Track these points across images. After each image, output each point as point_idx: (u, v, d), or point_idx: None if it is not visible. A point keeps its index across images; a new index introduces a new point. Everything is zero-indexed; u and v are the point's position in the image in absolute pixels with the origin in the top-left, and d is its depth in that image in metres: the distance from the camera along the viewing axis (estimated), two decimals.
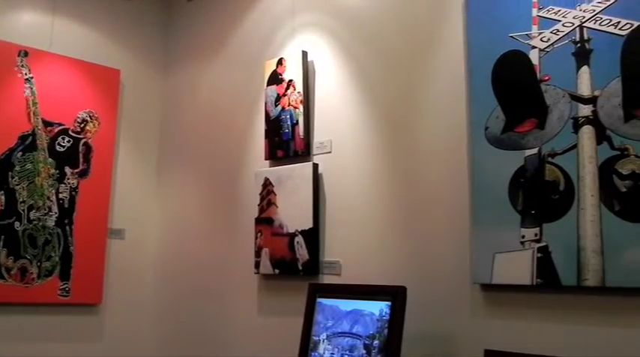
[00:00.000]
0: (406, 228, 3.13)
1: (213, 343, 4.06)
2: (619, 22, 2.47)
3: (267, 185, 3.74)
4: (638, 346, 2.33)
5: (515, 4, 2.80)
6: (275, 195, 3.68)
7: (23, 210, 4.08)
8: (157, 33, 4.96)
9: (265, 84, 3.91)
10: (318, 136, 3.62)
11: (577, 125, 2.54)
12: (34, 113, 4.18)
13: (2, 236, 3.99)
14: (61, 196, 4.23)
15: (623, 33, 2.45)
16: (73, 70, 4.38)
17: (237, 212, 4.05)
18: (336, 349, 2.90)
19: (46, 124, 4.22)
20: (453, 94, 3.01)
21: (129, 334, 4.50)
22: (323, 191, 3.52)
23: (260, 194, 3.78)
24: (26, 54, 4.19)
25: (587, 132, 2.50)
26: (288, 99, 3.73)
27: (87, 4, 4.58)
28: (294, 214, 3.56)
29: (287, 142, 3.70)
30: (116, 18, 4.73)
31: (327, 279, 3.41)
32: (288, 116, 3.72)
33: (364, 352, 2.79)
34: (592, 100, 2.50)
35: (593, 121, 2.49)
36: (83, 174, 4.34)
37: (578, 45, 2.58)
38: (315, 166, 3.53)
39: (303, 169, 3.55)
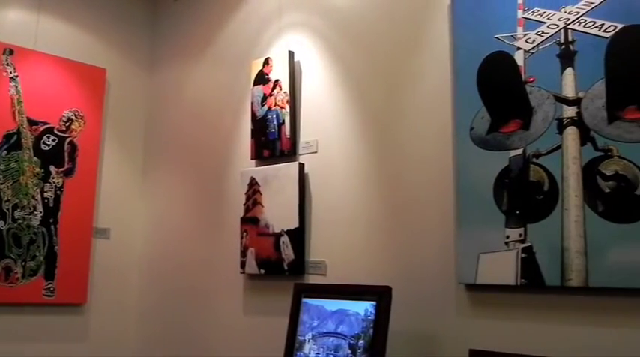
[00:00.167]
0: (392, 228, 3.14)
1: (198, 342, 4.06)
2: (603, 25, 2.49)
3: (253, 185, 3.74)
4: (621, 345, 2.35)
5: (501, 5, 2.81)
6: (261, 195, 3.68)
7: (8, 209, 4.06)
8: (144, 32, 4.95)
9: (252, 84, 3.91)
10: (304, 136, 3.62)
11: (561, 126, 2.55)
12: (19, 112, 4.15)
13: None
14: (46, 195, 4.21)
15: (607, 35, 2.47)
16: (58, 68, 4.36)
17: (223, 212, 4.05)
18: (322, 349, 2.90)
19: (31, 122, 4.20)
20: (439, 95, 3.02)
21: (114, 334, 4.49)
22: (309, 191, 3.52)
23: (246, 194, 3.78)
24: (11, 52, 4.17)
25: (571, 133, 2.52)
26: (275, 99, 3.73)
27: (72, 2, 4.57)
28: (279, 214, 3.56)
29: (273, 141, 3.71)
30: (102, 16, 4.71)
31: (312, 279, 3.42)
32: (274, 116, 3.72)
33: (349, 351, 2.79)
34: (576, 102, 2.52)
35: (578, 122, 2.51)
36: (68, 173, 4.33)
37: (563, 47, 2.60)
38: (301, 166, 3.53)
39: (289, 169, 3.56)
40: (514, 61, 2.73)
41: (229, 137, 4.11)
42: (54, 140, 4.28)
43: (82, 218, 4.36)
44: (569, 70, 2.56)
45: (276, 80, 3.75)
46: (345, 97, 3.45)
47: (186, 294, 4.22)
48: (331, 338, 2.89)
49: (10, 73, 4.15)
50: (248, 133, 3.88)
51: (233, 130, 4.09)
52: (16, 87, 4.16)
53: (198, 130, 4.38)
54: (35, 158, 4.20)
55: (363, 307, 2.81)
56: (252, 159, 3.84)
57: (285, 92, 3.68)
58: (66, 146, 4.34)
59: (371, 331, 2.74)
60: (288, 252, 3.48)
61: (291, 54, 3.72)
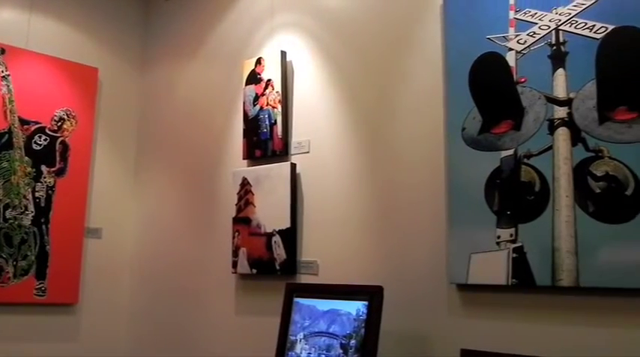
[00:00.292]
0: (383, 228, 3.14)
1: (190, 342, 4.05)
2: (594, 26, 2.50)
3: (244, 185, 3.74)
4: (611, 345, 2.36)
5: (493, 6, 2.82)
6: (253, 195, 3.68)
7: None
8: (136, 31, 4.94)
9: (244, 83, 3.91)
10: (296, 136, 3.62)
11: (552, 127, 2.56)
12: (10, 111, 4.14)
13: None
14: (37, 194, 4.20)
15: (598, 36, 2.48)
16: (50, 67, 4.35)
17: (215, 212, 4.05)
18: (313, 349, 2.90)
19: (23, 122, 4.19)
20: (431, 95, 3.03)
21: (105, 334, 4.48)
22: (301, 191, 3.52)
23: (238, 194, 3.78)
24: (3, 51, 4.15)
25: (562, 134, 2.53)
26: (267, 99, 3.73)
27: (64, 1, 4.55)
28: (271, 214, 3.56)
29: (265, 141, 3.71)
30: (94, 16, 4.70)
31: (304, 279, 3.42)
32: (266, 116, 3.72)
33: (341, 351, 2.79)
34: (567, 102, 2.53)
35: (569, 123, 2.52)
36: (60, 173, 4.31)
37: (554, 48, 2.61)
38: (293, 166, 3.53)
39: (281, 168, 3.56)
40: (506, 62, 2.74)
41: (221, 137, 4.11)
42: (45, 140, 4.27)
43: (74, 218, 4.35)
44: (560, 71, 2.57)
45: (269, 80, 3.75)
46: (337, 97, 3.45)
47: (178, 294, 4.21)
48: (323, 338, 2.89)
49: (2, 72, 4.13)
50: (240, 132, 3.88)
51: (225, 129, 4.09)
52: (8, 86, 4.15)
53: (190, 129, 4.38)
54: (26, 158, 4.19)
55: (355, 307, 2.81)
56: (244, 159, 3.84)
57: (277, 92, 3.68)
58: (57, 146, 4.32)
59: (362, 331, 2.74)
60: (280, 252, 3.48)
61: (283, 54, 3.72)
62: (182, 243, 4.26)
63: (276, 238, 3.51)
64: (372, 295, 2.78)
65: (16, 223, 4.09)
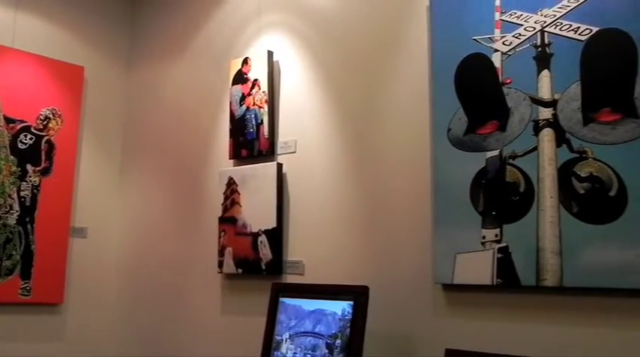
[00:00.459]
0: (369, 228, 3.15)
1: (175, 342, 4.05)
2: (579, 28, 2.51)
3: (231, 184, 3.73)
4: (594, 344, 2.38)
5: (479, 7, 2.83)
6: (239, 194, 3.68)
7: None
8: (122, 30, 4.93)
9: (230, 83, 3.90)
10: (282, 136, 3.62)
11: (537, 128, 2.58)
12: None
13: None
14: (22, 194, 4.18)
15: (583, 38, 2.49)
16: (36, 66, 4.33)
17: (201, 211, 4.04)
18: (299, 349, 2.91)
19: (8, 121, 4.17)
20: (417, 96, 3.04)
21: (91, 334, 4.47)
22: (287, 191, 3.52)
23: (224, 193, 3.77)
24: None
25: (547, 135, 2.55)
26: (253, 98, 3.73)
27: None
28: (257, 214, 3.56)
29: (251, 141, 3.71)
30: (80, 15, 4.68)
31: (290, 279, 3.42)
32: (252, 116, 3.72)
33: (326, 351, 2.80)
34: (552, 104, 2.55)
35: (553, 124, 2.53)
36: (45, 172, 4.29)
37: (539, 49, 2.62)
38: (280, 166, 3.53)
39: (267, 168, 3.56)
40: (491, 63, 2.75)
41: (208, 137, 4.11)
42: (31, 139, 4.25)
43: (59, 217, 4.33)
44: (545, 72, 2.59)
45: (255, 80, 3.75)
46: (323, 98, 3.45)
47: (163, 293, 4.21)
48: (308, 338, 2.89)
49: None
50: (226, 132, 3.88)
51: (211, 129, 4.08)
52: None
53: (176, 129, 4.37)
54: (12, 156, 4.16)
55: (341, 307, 2.82)
56: (230, 158, 3.84)
57: (263, 92, 3.68)
58: (43, 145, 4.30)
59: (348, 330, 2.75)
60: (265, 252, 3.48)
61: (270, 54, 3.72)
62: (168, 242, 4.25)
63: (262, 238, 3.51)
64: (358, 295, 2.78)
65: (1, 222, 4.07)
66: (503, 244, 2.60)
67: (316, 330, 2.87)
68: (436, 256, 2.81)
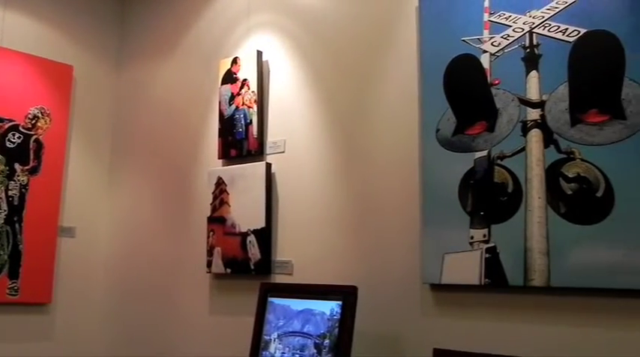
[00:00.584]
0: (358, 228, 3.15)
1: (164, 342, 4.04)
2: (567, 29, 2.53)
3: (219, 184, 3.73)
4: (581, 344, 2.39)
5: (468, 8, 2.84)
6: (228, 194, 3.68)
7: None
8: (112, 29, 4.91)
9: (220, 83, 3.90)
10: (271, 136, 3.62)
11: (525, 129, 2.59)
12: None
13: None
14: (10, 193, 4.16)
15: (571, 39, 2.51)
16: (24, 65, 4.31)
17: (190, 211, 4.04)
18: (287, 349, 2.91)
19: None
20: (406, 96, 3.04)
21: (79, 334, 4.45)
22: (276, 191, 3.52)
23: (213, 193, 3.77)
24: None
25: (535, 135, 2.56)
26: (242, 98, 3.73)
27: None
28: (246, 214, 3.56)
29: (240, 141, 3.70)
30: (69, 13, 4.66)
31: (279, 278, 3.42)
32: (241, 115, 3.72)
33: (315, 351, 2.80)
34: (540, 105, 2.56)
35: (541, 124, 2.55)
36: (34, 171, 4.28)
37: (528, 50, 2.63)
38: (268, 166, 3.53)
39: (256, 168, 3.56)
40: (480, 64, 2.76)
41: (197, 136, 4.10)
42: (19, 138, 4.23)
43: (48, 217, 4.32)
44: (533, 73, 2.60)
45: (244, 80, 3.74)
46: (312, 98, 3.46)
47: (152, 293, 4.20)
48: (297, 338, 2.89)
49: None
50: (215, 132, 3.88)
51: (200, 129, 4.08)
52: None
53: (165, 128, 4.36)
54: (0, 156, 4.15)
55: (329, 307, 2.82)
56: (219, 158, 3.84)
57: (253, 92, 3.68)
58: (31, 144, 4.29)
59: (336, 330, 2.75)
60: (254, 251, 3.48)
61: (259, 53, 3.72)
62: (157, 242, 4.24)
63: (251, 238, 3.51)
64: (346, 295, 2.79)
65: None
66: (491, 245, 2.61)
67: (305, 330, 2.88)
68: (424, 256, 2.81)
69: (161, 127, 4.40)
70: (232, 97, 3.79)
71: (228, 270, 3.62)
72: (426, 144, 2.88)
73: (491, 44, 2.74)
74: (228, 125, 3.79)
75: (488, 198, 2.65)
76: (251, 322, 3.10)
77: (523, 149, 2.58)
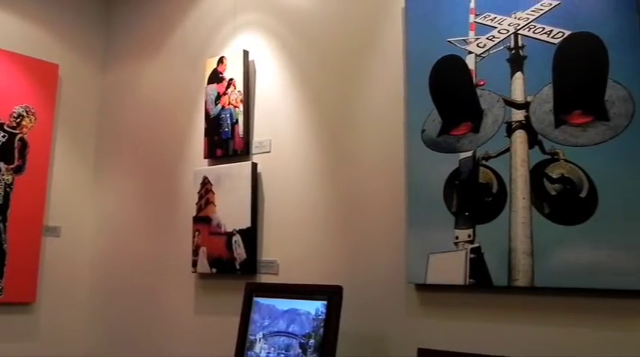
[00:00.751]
0: (344, 228, 3.16)
1: (149, 342, 4.03)
2: (552, 31, 2.54)
3: (205, 184, 3.73)
4: (564, 343, 2.40)
5: (453, 9, 2.85)
6: (213, 194, 3.67)
7: None
8: (98, 28, 4.90)
9: (206, 82, 3.90)
10: (257, 136, 3.62)
11: (510, 129, 2.60)
12: None
13: None
14: None
15: (556, 41, 2.52)
16: (9, 63, 4.29)
17: (176, 211, 4.03)
18: (272, 349, 2.91)
19: None
20: (392, 96, 3.05)
21: (64, 334, 4.43)
22: (261, 191, 3.52)
23: (198, 193, 3.77)
24: None
25: (519, 136, 2.57)
26: (229, 98, 3.73)
27: None
28: (232, 213, 3.56)
29: (226, 141, 3.70)
30: (55, 12, 4.64)
31: (264, 278, 3.42)
32: (228, 115, 3.71)
33: (300, 351, 2.80)
34: (525, 106, 2.57)
35: (526, 125, 2.56)
36: (18, 170, 4.25)
37: (513, 51, 2.65)
38: (254, 166, 3.53)
39: (242, 168, 3.55)
40: (465, 65, 2.78)
41: (183, 136, 4.10)
42: (4, 136, 4.21)
43: (32, 216, 4.29)
44: (518, 75, 2.61)
45: (231, 79, 3.74)
46: (299, 98, 3.46)
47: (137, 293, 4.19)
48: (282, 338, 2.89)
49: None
50: (201, 131, 3.87)
51: (186, 128, 4.07)
52: None
53: (151, 128, 4.35)
54: None
55: (314, 307, 2.82)
56: (205, 158, 3.83)
57: (239, 91, 3.68)
58: (16, 143, 4.26)
59: (321, 330, 2.76)
60: (240, 251, 3.48)
61: (245, 53, 3.72)
62: (142, 242, 4.23)
63: (237, 238, 3.51)
64: (332, 294, 2.79)
65: None
66: (475, 245, 2.62)
67: (290, 330, 2.88)
68: (409, 256, 2.82)
69: (147, 127, 4.38)
70: (218, 97, 3.79)
71: (214, 270, 3.61)
72: (412, 144, 2.89)
73: (477, 45, 2.76)
74: (214, 125, 3.78)
75: (473, 198, 2.66)
76: (236, 321, 3.10)
77: (508, 150, 2.60)
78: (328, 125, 3.31)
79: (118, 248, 4.42)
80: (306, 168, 3.36)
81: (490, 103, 2.68)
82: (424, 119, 2.86)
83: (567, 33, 2.50)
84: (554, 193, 2.45)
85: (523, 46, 2.62)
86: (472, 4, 2.80)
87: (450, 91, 2.82)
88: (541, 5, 2.59)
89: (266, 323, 2.98)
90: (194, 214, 3.77)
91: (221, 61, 3.83)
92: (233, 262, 3.51)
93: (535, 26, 2.60)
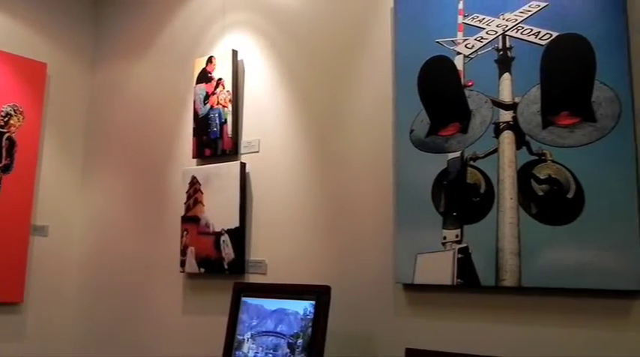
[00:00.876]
0: (332, 228, 3.16)
1: (137, 342, 4.02)
2: (539, 32, 2.55)
3: (194, 183, 3.72)
4: (551, 343, 2.42)
5: (442, 10, 2.86)
6: (202, 193, 3.67)
7: None
8: (86, 27, 4.88)
9: (194, 82, 3.89)
10: (246, 136, 3.62)
11: (498, 130, 2.61)
12: None
13: None
14: None
15: (543, 42, 2.54)
16: None
17: (164, 210, 4.02)
18: (261, 348, 2.91)
19: None
20: (380, 97, 3.06)
21: (51, 333, 4.41)
22: (250, 191, 3.52)
23: (187, 192, 3.76)
24: None
25: (507, 137, 2.58)
26: (217, 97, 3.73)
27: None
28: (220, 213, 3.56)
29: (215, 140, 3.70)
30: (43, 11, 4.62)
31: (252, 278, 3.42)
32: (216, 115, 3.71)
33: (288, 351, 2.80)
34: (512, 107, 2.58)
35: (514, 126, 2.57)
36: (6, 169, 4.23)
37: (501, 52, 2.66)
38: (243, 166, 3.53)
39: (231, 168, 3.55)
40: (454, 66, 2.78)
41: (171, 135, 4.09)
42: None
43: (20, 215, 4.27)
44: (506, 76, 2.63)
45: (219, 79, 3.74)
46: (287, 98, 3.46)
47: (125, 293, 4.18)
48: (270, 337, 2.89)
49: None
50: (190, 131, 3.87)
51: (175, 128, 4.07)
52: None
53: (140, 127, 4.34)
54: None
55: (302, 307, 2.82)
56: (193, 158, 3.83)
57: (227, 91, 3.68)
58: (4, 142, 4.24)
59: (310, 330, 2.76)
60: (228, 251, 3.48)
61: (234, 53, 3.72)
62: (130, 242, 4.22)
63: (225, 238, 3.50)
64: (320, 294, 2.79)
65: None
66: (463, 245, 2.63)
67: (278, 329, 2.88)
68: (397, 256, 2.83)
69: (135, 126, 4.37)
70: (207, 97, 3.79)
71: (202, 269, 3.61)
72: (400, 145, 2.90)
73: (465, 46, 2.77)
74: (202, 124, 3.78)
75: (460, 199, 2.67)
76: (224, 321, 3.10)
77: (495, 151, 2.61)
78: (317, 125, 3.31)
79: (106, 248, 4.40)
80: (295, 168, 3.36)
81: (478, 103, 2.69)
82: (412, 119, 2.87)
83: (555, 34, 2.51)
84: (541, 193, 2.46)
85: (511, 47, 2.63)
86: (461, 5, 2.81)
87: (438, 92, 2.83)
88: (529, 7, 2.61)
89: (254, 323, 2.98)
90: (182, 213, 3.77)
91: (210, 60, 3.83)
92: (221, 262, 3.50)
93: (523, 27, 2.61)
